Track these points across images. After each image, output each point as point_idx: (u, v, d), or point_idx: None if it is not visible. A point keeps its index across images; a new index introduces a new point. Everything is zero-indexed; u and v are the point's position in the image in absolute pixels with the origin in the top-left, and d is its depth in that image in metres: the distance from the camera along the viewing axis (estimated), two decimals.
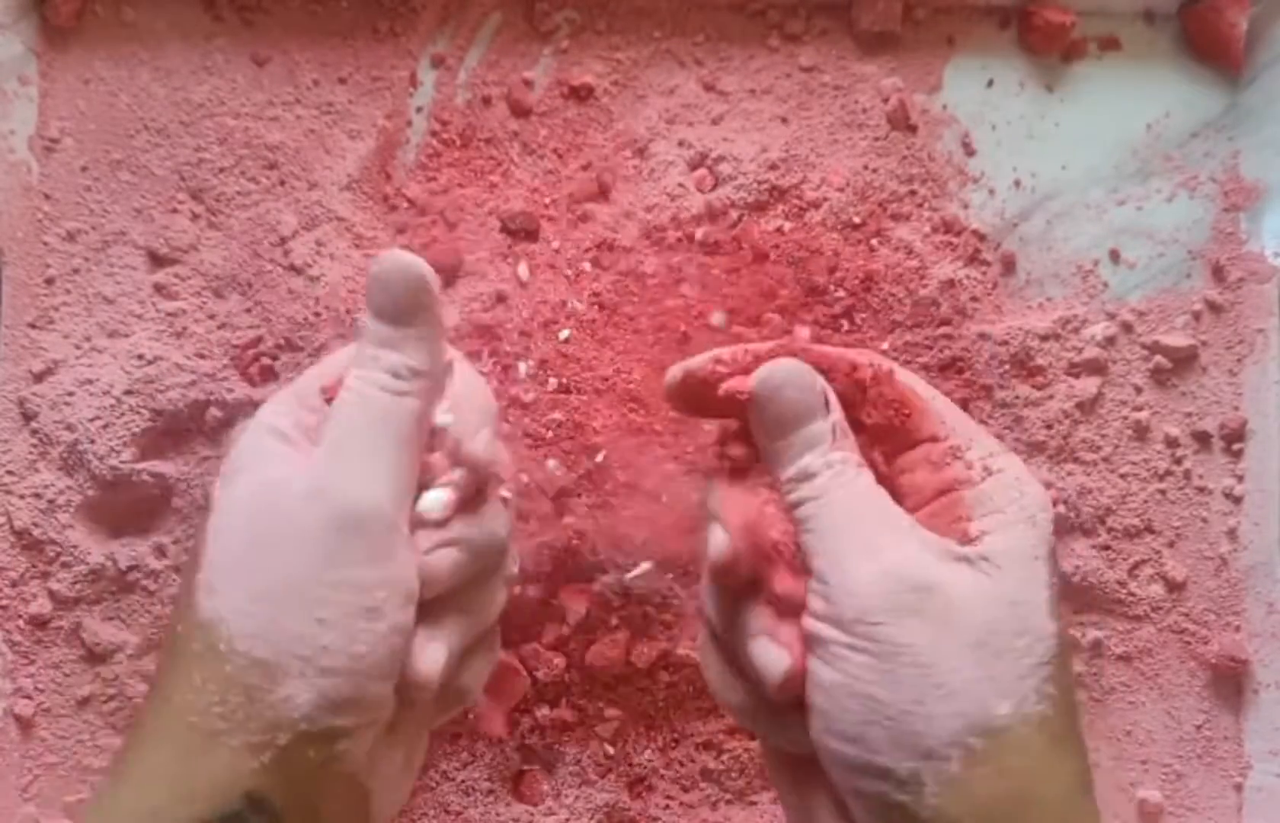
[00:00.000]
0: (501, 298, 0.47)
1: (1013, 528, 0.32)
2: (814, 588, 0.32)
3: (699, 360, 0.36)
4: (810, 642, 0.32)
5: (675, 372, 0.36)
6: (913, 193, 0.49)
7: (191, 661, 0.30)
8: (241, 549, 0.31)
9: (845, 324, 0.47)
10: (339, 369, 0.35)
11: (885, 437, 0.35)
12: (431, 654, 0.33)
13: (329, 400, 0.34)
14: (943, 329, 0.48)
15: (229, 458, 0.33)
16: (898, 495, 0.34)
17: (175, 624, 0.32)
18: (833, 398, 0.34)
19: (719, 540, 0.33)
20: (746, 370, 0.35)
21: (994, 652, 0.30)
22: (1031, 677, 0.30)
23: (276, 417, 0.34)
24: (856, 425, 0.35)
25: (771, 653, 0.32)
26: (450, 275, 0.48)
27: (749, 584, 0.33)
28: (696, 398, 0.36)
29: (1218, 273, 0.50)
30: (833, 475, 0.33)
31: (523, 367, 0.47)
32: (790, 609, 0.32)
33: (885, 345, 0.47)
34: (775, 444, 0.34)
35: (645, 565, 0.45)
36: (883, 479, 0.34)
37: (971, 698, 0.30)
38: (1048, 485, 0.48)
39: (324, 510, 0.31)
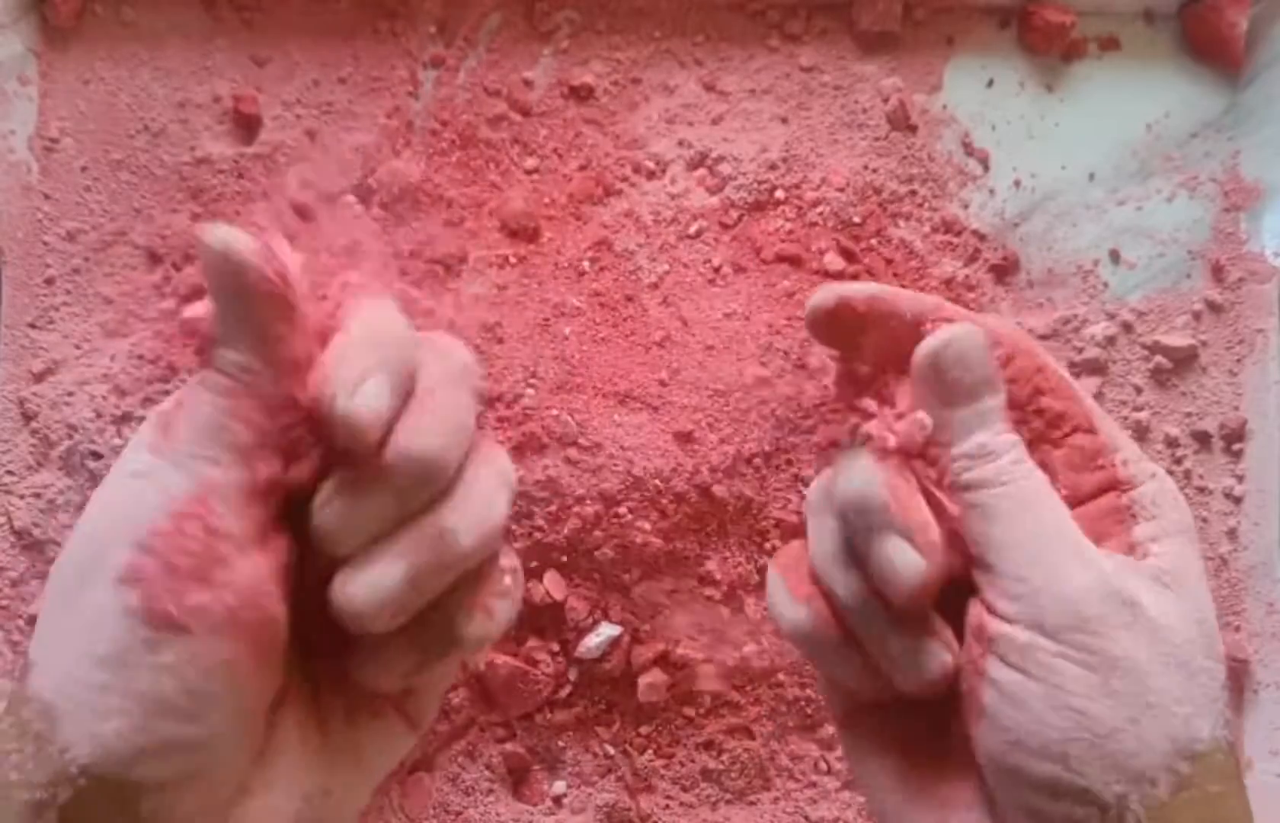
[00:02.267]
0: (501, 297, 0.47)
1: (1180, 540, 0.31)
2: (998, 584, 0.30)
3: (856, 289, 0.33)
4: (990, 643, 0.29)
5: (827, 294, 0.33)
6: (913, 193, 0.49)
7: (8, 700, 0.27)
8: (61, 573, 0.27)
9: None
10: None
11: (1028, 422, 0.32)
12: (357, 582, 0.27)
13: None
14: None
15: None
16: None
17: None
18: (999, 375, 0.32)
19: (912, 563, 0.29)
20: (907, 323, 0.32)
21: (1191, 673, 0.29)
22: (1219, 700, 0.29)
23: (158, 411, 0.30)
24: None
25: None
26: (453, 271, 0.48)
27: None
28: (845, 328, 0.33)
29: (1218, 273, 0.50)
30: (1013, 462, 0.30)
31: (523, 366, 0.47)
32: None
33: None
34: (953, 413, 0.31)
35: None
36: None
37: (1179, 720, 0.28)
38: None
39: (112, 539, 0.27)
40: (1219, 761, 0.28)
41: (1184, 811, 0.28)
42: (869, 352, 0.34)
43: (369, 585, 0.27)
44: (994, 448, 0.31)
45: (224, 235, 0.27)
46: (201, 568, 0.26)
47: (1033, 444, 0.32)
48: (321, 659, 0.30)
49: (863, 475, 0.31)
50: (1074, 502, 0.32)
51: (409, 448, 0.27)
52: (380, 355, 0.28)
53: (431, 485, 0.28)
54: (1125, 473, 0.32)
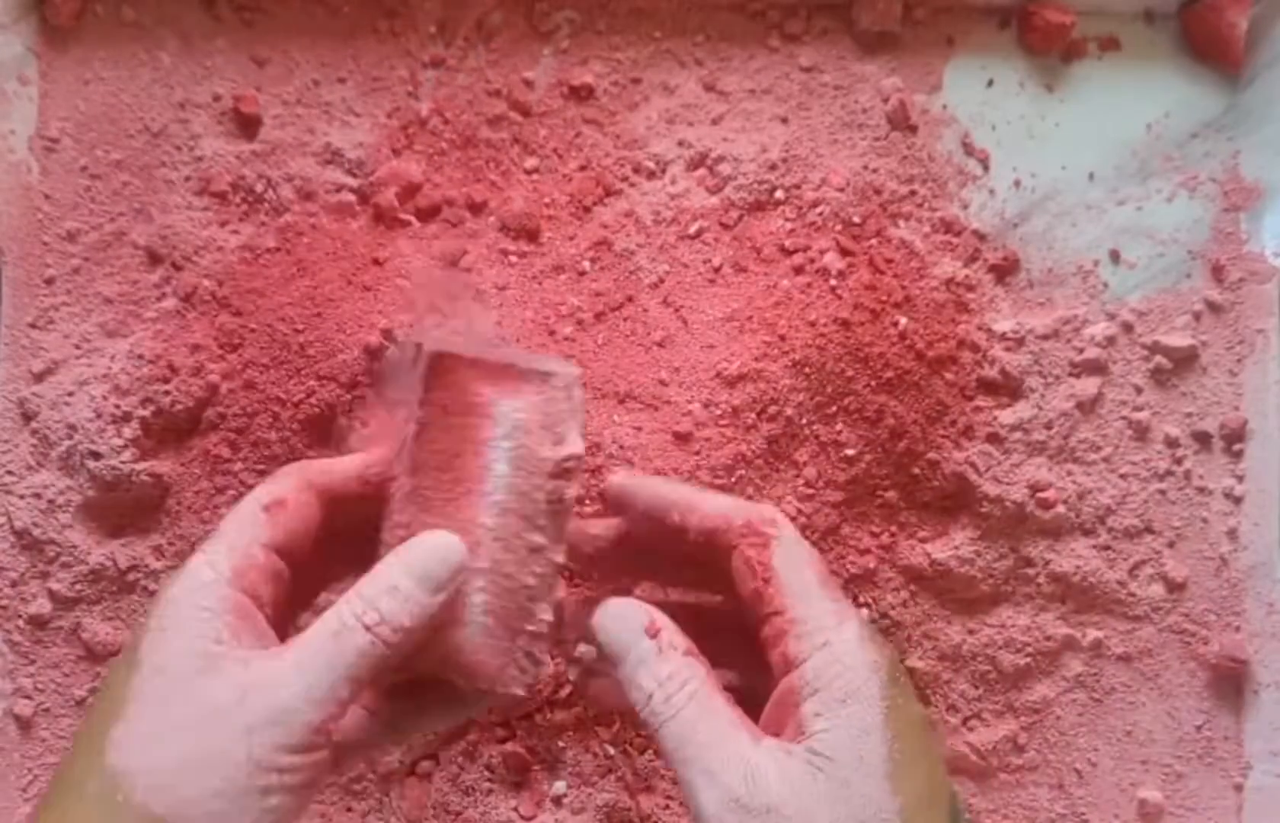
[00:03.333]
0: (501, 297, 0.47)
1: (837, 709, 0.32)
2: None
3: (638, 484, 0.38)
4: None
5: (613, 481, 0.38)
6: (913, 193, 0.49)
7: (88, 803, 0.31)
8: (162, 718, 0.31)
9: (846, 324, 0.47)
10: (287, 523, 0.35)
11: (749, 606, 0.35)
12: None
13: (274, 547, 0.34)
14: (942, 329, 0.48)
15: (157, 612, 0.33)
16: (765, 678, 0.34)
17: (76, 758, 0.32)
18: (659, 619, 0.34)
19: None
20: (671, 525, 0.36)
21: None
22: None
23: (210, 572, 0.34)
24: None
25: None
26: (453, 271, 0.48)
27: None
28: (625, 510, 0.38)
29: (1218, 273, 0.50)
30: (663, 697, 0.33)
31: None
32: None
33: (885, 348, 0.47)
34: (617, 673, 0.35)
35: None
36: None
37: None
38: (1048, 486, 0.48)
39: (250, 705, 0.31)
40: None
41: None
42: (646, 537, 0.37)
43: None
44: (647, 687, 0.33)
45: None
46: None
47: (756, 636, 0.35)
48: None
49: None
50: (777, 681, 0.33)
51: None
52: None
53: None
54: (795, 650, 0.33)
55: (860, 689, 0.32)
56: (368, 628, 0.32)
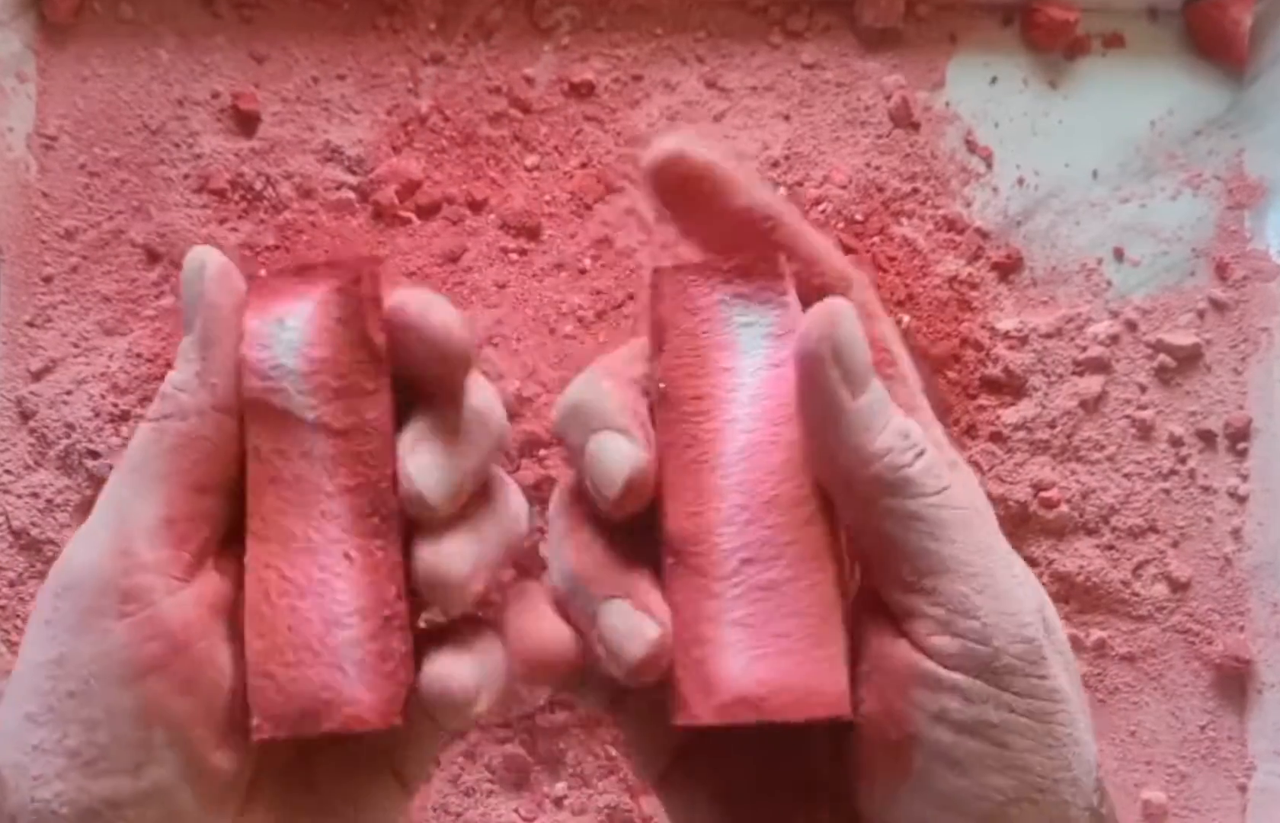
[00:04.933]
0: (502, 295, 0.47)
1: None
2: (937, 617, 0.24)
3: (695, 150, 0.27)
4: (922, 691, 0.24)
5: (663, 146, 0.27)
6: (915, 190, 0.49)
7: None
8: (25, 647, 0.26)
9: None
10: None
11: None
12: (447, 551, 0.26)
13: None
14: (945, 327, 0.48)
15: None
16: None
17: None
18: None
19: (625, 454, 0.25)
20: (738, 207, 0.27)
21: (1078, 675, 0.26)
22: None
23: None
24: None
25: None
26: (453, 269, 0.47)
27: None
28: (677, 189, 0.28)
29: (1222, 271, 0.49)
30: (934, 460, 0.25)
31: (523, 364, 0.46)
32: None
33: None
34: (855, 404, 0.25)
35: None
36: None
37: (1090, 749, 0.25)
38: (1051, 485, 0.48)
39: (47, 586, 0.25)
40: (1100, 778, 0.26)
41: None
42: (699, 222, 0.29)
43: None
44: (917, 439, 0.25)
45: None
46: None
47: None
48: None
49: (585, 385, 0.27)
50: None
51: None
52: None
53: (494, 435, 0.27)
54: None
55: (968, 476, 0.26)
56: (161, 417, 0.26)
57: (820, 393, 0.25)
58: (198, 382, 0.27)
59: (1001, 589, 0.24)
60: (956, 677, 0.24)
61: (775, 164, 0.48)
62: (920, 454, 0.24)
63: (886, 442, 0.24)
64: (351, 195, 0.48)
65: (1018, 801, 0.24)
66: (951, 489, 0.25)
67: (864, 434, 0.24)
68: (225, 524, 0.27)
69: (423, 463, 0.25)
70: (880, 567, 0.25)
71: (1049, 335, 0.48)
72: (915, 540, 0.24)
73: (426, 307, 0.26)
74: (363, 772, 0.29)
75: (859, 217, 0.48)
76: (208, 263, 0.27)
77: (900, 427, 0.25)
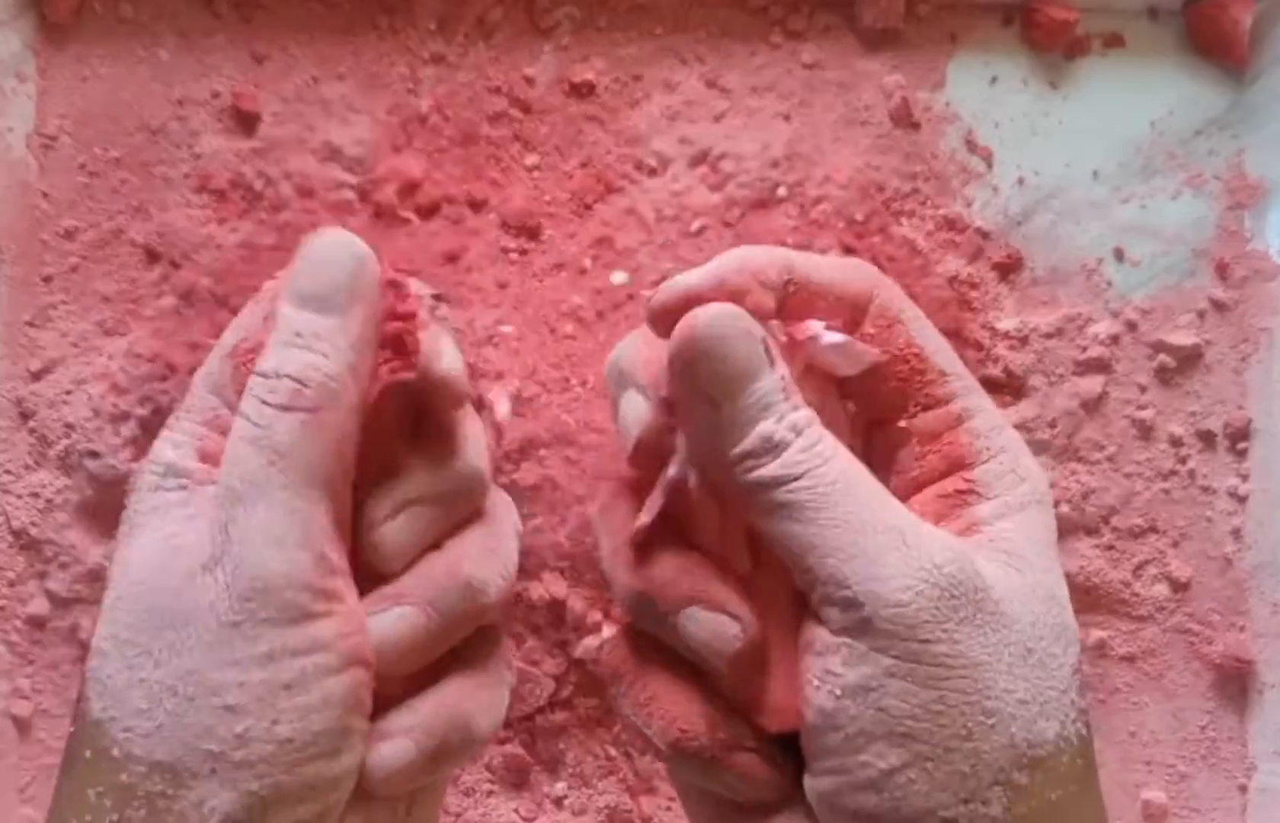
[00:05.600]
0: (502, 296, 0.47)
1: (1025, 514, 0.28)
2: (821, 598, 0.25)
3: (697, 279, 0.29)
4: (812, 666, 0.26)
5: (671, 291, 0.29)
6: (916, 190, 0.49)
7: (85, 770, 0.25)
8: (134, 635, 0.26)
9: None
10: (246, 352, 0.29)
11: (873, 392, 0.29)
12: (387, 753, 0.28)
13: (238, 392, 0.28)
14: (945, 327, 0.48)
15: (126, 510, 0.29)
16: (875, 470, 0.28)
17: (71, 726, 0.27)
18: (773, 347, 0.27)
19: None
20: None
21: (1038, 662, 0.25)
22: (1069, 688, 0.26)
23: (173, 450, 0.29)
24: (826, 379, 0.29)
25: (720, 623, 0.26)
26: (453, 269, 0.47)
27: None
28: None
29: (1222, 271, 0.49)
30: (805, 447, 0.26)
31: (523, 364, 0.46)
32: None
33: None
34: (717, 416, 0.26)
35: None
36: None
37: (1020, 723, 0.25)
38: (1051, 485, 0.48)
39: (222, 581, 0.26)
40: (1063, 763, 0.25)
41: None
42: None
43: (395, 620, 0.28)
44: (779, 437, 0.26)
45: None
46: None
47: (889, 417, 0.29)
48: None
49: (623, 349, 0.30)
50: (926, 481, 0.28)
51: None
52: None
53: (475, 498, 0.30)
54: (970, 451, 0.28)
55: (1043, 498, 0.28)
56: (285, 407, 0.26)
57: (685, 405, 0.27)
58: (350, 376, 0.27)
59: (871, 556, 0.25)
60: (839, 639, 0.25)
61: (775, 164, 0.48)
62: (779, 450, 0.26)
63: (744, 447, 0.26)
64: (351, 195, 0.48)
65: (903, 768, 0.24)
66: (823, 468, 0.26)
67: (725, 442, 0.26)
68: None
69: (395, 528, 0.28)
70: (784, 552, 0.26)
71: (1050, 335, 0.48)
72: (784, 528, 0.26)
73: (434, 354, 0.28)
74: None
75: (859, 217, 0.48)
76: (367, 261, 0.28)
77: (761, 432, 0.26)
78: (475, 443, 0.30)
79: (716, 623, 0.27)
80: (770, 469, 0.26)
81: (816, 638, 0.26)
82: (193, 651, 0.25)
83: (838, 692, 0.25)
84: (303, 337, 0.27)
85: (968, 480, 0.28)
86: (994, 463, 0.28)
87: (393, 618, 0.28)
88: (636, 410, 0.28)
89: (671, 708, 0.28)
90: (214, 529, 0.26)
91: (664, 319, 0.28)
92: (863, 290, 0.30)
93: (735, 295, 0.28)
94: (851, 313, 0.29)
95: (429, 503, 0.29)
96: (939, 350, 0.30)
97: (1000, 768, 0.24)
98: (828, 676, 0.25)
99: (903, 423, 0.29)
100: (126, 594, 0.27)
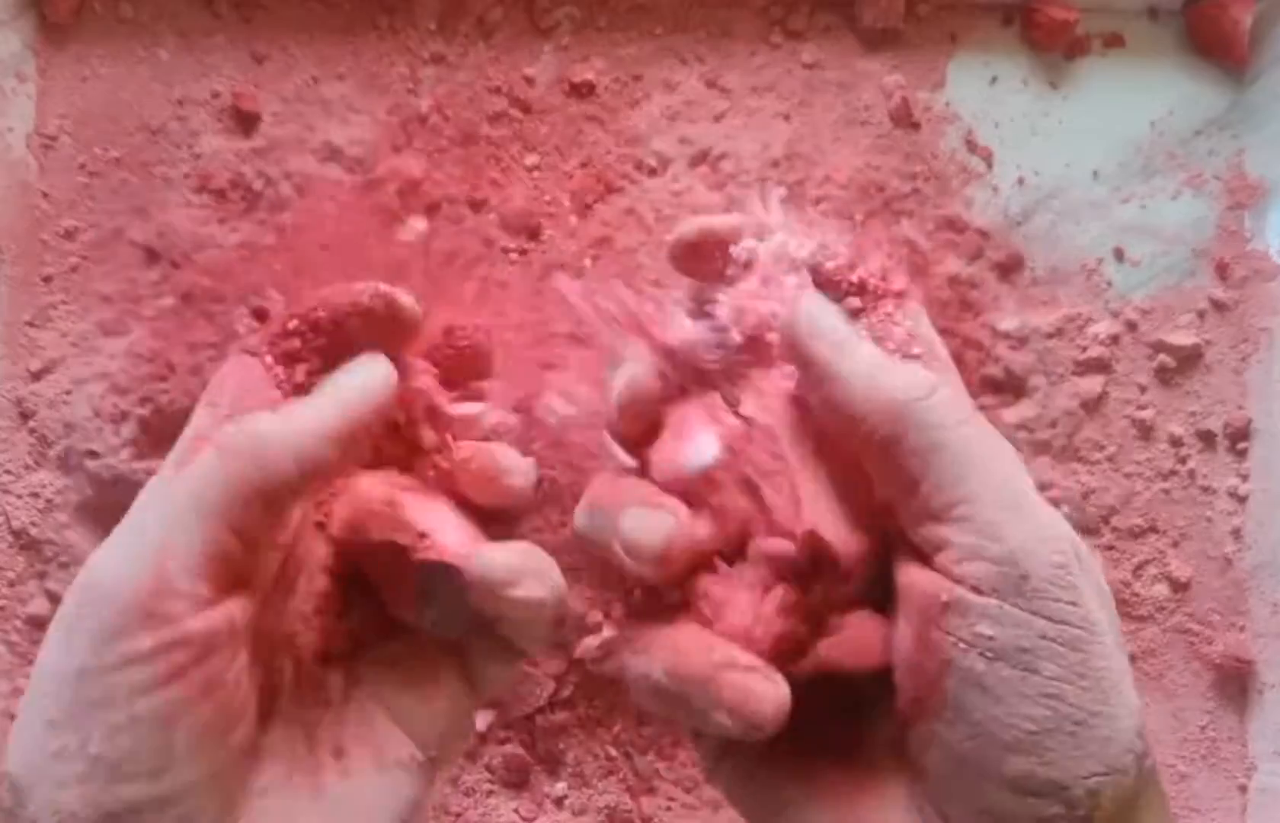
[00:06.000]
0: (503, 295, 0.47)
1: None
2: (965, 543, 0.25)
3: (719, 220, 0.31)
4: (952, 619, 0.25)
5: (690, 227, 0.31)
6: (916, 190, 0.49)
7: None
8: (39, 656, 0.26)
9: None
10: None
11: None
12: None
13: None
14: (946, 327, 0.48)
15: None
16: None
17: None
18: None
19: (654, 526, 0.27)
20: None
21: (1117, 622, 0.26)
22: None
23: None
24: None
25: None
26: (454, 269, 0.47)
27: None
28: (708, 261, 0.31)
29: (1222, 271, 0.49)
30: (956, 391, 0.26)
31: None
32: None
33: None
34: (859, 353, 0.27)
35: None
36: None
37: (1132, 690, 0.25)
38: (1052, 485, 0.48)
39: (71, 592, 0.26)
40: (1145, 725, 0.25)
41: (1140, 795, 0.25)
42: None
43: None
44: (932, 378, 0.26)
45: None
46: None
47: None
48: (316, 709, 0.30)
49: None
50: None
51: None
52: None
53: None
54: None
55: None
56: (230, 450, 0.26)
57: (819, 355, 0.27)
58: (331, 449, 0.28)
59: (1030, 513, 0.24)
60: (988, 601, 0.24)
61: (775, 164, 0.48)
62: (935, 389, 0.25)
63: (902, 378, 0.26)
64: (351, 195, 0.48)
65: (1053, 731, 0.24)
66: (974, 421, 0.25)
67: (877, 376, 0.26)
68: (264, 576, 0.28)
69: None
70: (906, 504, 0.26)
71: (1050, 336, 0.48)
72: (940, 471, 0.25)
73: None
74: (367, 763, 0.29)
75: (859, 217, 0.48)
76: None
77: (911, 368, 0.26)
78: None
79: (649, 516, 0.27)
80: (933, 401, 0.25)
81: (956, 596, 0.24)
82: (43, 655, 0.26)
83: (989, 654, 0.24)
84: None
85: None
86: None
87: None
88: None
89: (668, 640, 0.28)
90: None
91: (684, 256, 0.30)
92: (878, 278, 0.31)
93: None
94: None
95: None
96: (939, 358, 0.31)
97: (1129, 735, 0.24)
98: (977, 638, 0.24)
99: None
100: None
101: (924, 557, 0.26)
